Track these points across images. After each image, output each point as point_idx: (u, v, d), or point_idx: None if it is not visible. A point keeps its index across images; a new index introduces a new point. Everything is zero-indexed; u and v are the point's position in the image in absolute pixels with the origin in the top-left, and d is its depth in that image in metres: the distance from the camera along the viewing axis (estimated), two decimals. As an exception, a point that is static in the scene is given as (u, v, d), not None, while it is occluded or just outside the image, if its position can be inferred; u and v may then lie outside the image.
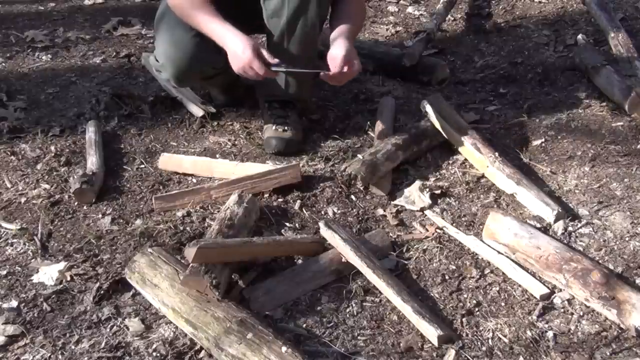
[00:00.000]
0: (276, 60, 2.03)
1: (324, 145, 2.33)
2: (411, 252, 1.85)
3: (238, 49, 2.00)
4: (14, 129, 2.49)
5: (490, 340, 1.57)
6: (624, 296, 1.56)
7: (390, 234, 1.92)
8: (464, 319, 1.63)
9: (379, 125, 2.35)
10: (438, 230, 1.93)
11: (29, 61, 3.07)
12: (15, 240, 1.95)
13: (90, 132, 2.37)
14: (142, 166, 2.27)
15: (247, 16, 2.26)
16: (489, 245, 1.84)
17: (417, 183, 2.09)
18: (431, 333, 1.55)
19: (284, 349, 1.45)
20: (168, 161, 2.24)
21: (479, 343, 1.57)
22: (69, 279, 1.79)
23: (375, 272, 1.68)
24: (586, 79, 2.66)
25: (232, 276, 1.72)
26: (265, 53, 2.03)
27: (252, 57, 1.98)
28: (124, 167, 2.27)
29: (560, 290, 1.69)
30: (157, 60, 2.37)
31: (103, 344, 1.60)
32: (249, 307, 1.64)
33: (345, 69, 2.00)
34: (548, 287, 1.70)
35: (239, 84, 2.60)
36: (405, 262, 1.82)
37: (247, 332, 1.49)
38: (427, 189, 2.06)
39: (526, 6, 3.40)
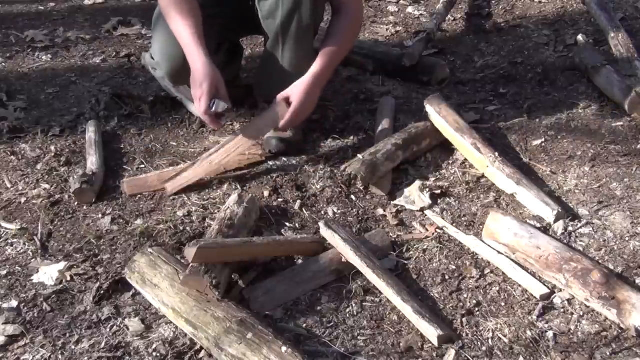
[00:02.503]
0: (223, 105, 2.02)
1: (324, 145, 2.33)
2: (411, 252, 1.85)
3: (197, 78, 2.01)
4: (14, 129, 2.49)
5: (490, 340, 1.57)
6: (624, 296, 1.56)
7: (390, 234, 1.92)
8: (464, 319, 1.63)
9: (379, 125, 2.35)
10: (438, 230, 1.93)
11: (29, 61, 3.07)
12: (15, 240, 1.95)
13: (90, 132, 2.37)
14: (142, 166, 2.27)
15: (244, 17, 2.27)
16: (489, 245, 1.84)
17: (417, 183, 2.09)
18: (431, 333, 1.55)
19: (284, 349, 1.45)
20: (134, 185, 2.16)
21: (479, 343, 1.57)
22: (69, 279, 1.79)
23: (375, 272, 1.68)
24: (586, 79, 2.66)
25: (232, 276, 1.72)
26: (222, 89, 2.02)
27: (205, 92, 1.99)
28: (124, 167, 2.27)
29: (560, 290, 1.69)
30: (152, 58, 2.37)
31: (103, 344, 1.60)
32: (249, 307, 1.64)
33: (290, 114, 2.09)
34: (548, 287, 1.70)
35: (239, 84, 2.61)
36: (405, 262, 1.82)
37: (247, 332, 1.49)
38: (427, 189, 2.06)
39: (526, 6, 3.40)
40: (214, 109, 2.02)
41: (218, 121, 2.08)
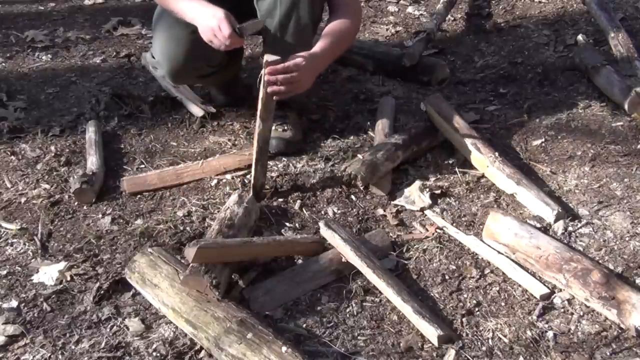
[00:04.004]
0: (252, 26, 2.00)
1: (324, 145, 2.33)
2: (411, 252, 1.85)
3: (208, 15, 1.98)
4: (14, 129, 2.49)
5: (490, 340, 1.57)
6: (624, 296, 1.56)
7: (390, 234, 1.92)
8: (464, 319, 1.63)
9: (379, 125, 2.35)
10: (438, 230, 1.93)
11: (29, 61, 3.07)
12: (15, 240, 1.95)
13: (90, 132, 2.37)
14: (142, 166, 2.27)
15: (243, 17, 2.26)
16: (489, 245, 1.84)
17: (417, 183, 2.09)
18: (431, 333, 1.55)
19: (284, 349, 1.45)
20: (133, 183, 2.16)
21: (479, 343, 1.57)
22: (69, 279, 1.79)
23: (375, 272, 1.68)
24: (586, 79, 2.66)
25: (232, 276, 1.72)
26: (233, 20, 1.99)
27: (222, 18, 1.95)
28: (124, 167, 2.27)
29: (560, 290, 1.69)
30: (153, 57, 2.37)
31: (103, 344, 1.60)
32: (249, 307, 1.64)
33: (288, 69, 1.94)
34: (548, 287, 1.70)
35: (238, 84, 2.61)
36: (405, 262, 1.82)
37: (247, 332, 1.49)
38: (427, 189, 2.06)
39: (526, 6, 3.40)
40: (241, 32, 1.98)
41: (242, 40, 2.03)
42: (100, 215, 2.04)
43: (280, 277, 1.74)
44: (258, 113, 1.98)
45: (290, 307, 1.68)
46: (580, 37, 2.91)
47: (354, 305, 1.68)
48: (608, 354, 1.52)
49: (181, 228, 1.94)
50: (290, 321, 1.64)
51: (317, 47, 2.08)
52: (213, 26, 1.98)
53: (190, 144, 2.39)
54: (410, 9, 3.53)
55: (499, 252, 1.81)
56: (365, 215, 2.00)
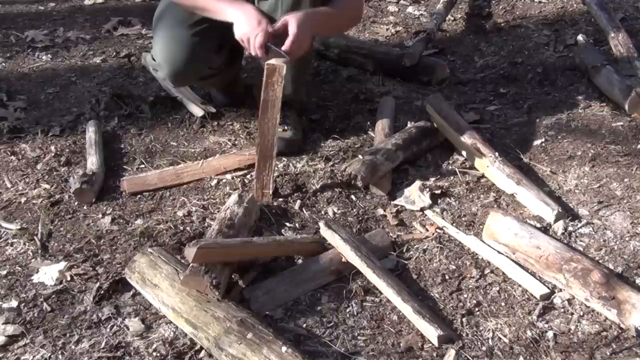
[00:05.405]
0: (281, 56, 1.98)
1: (324, 145, 2.33)
2: (411, 252, 1.85)
3: (254, 17, 1.95)
4: (14, 129, 2.49)
5: (490, 340, 1.57)
6: (624, 296, 1.56)
7: (390, 234, 1.92)
8: (464, 319, 1.63)
9: (379, 125, 2.35)
10: (438, 230, 1.93)
11: (29, 61, 3.07)
12: (15, 240, 1.95)
13: (90, 132, 2.37)
14: (142, 166, 2.27)
15: None
16: (489, 245, 1.84)
17: (417, 183, 2.09)
18: (431, 333, 1.55)
19: (284, 349, 1.45)
20: (133, 183, 2.16)
21: (479, 343, 1.57)
22: (69, 279, 1.79)
23: (375, 272, 1.68)
24: (586, 79, 2.66)
25: (232, 276, 1.72)
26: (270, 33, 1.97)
27: (265, 29, 1.93)
28: (124, 167, 2.27)
29: (560, 290, 1.69)
30: (154, 60, 2.37)
31: (103, 344, 1.60)
32: (249, 307, 1.64)
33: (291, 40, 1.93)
34: (548, 287, 1.70)
35: (239, 84, 2.61)
36: (405, 262, 1.82)
37: (247, 332, 1.49)
38: (427, 189, 2.06)
39: (526, 6, 3.41)
40: (267, 50, 1.96)
41: (265, 55, 2.00)
42: (100, 215, 2.04)
43: (280, 277, 1.74)
44: (259, 117, 1.99)
45: (290, 307, 1.68)
46: (580, 37, 2.92)
47: (354, 305, 1.68)
48: (608, 354, 1.52)
49: (181, 228, 1.94)
50: (290, 321, 1.64)
51: (310, 10, 2.03)
52: (251, 30, 1.95)
53: (190, 144, 2.39)
54: (410, 9, 3.53)
55: (499, 252, 1.81)
56: (365, 215, 2.00)
